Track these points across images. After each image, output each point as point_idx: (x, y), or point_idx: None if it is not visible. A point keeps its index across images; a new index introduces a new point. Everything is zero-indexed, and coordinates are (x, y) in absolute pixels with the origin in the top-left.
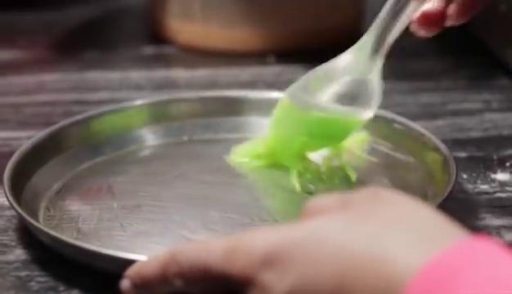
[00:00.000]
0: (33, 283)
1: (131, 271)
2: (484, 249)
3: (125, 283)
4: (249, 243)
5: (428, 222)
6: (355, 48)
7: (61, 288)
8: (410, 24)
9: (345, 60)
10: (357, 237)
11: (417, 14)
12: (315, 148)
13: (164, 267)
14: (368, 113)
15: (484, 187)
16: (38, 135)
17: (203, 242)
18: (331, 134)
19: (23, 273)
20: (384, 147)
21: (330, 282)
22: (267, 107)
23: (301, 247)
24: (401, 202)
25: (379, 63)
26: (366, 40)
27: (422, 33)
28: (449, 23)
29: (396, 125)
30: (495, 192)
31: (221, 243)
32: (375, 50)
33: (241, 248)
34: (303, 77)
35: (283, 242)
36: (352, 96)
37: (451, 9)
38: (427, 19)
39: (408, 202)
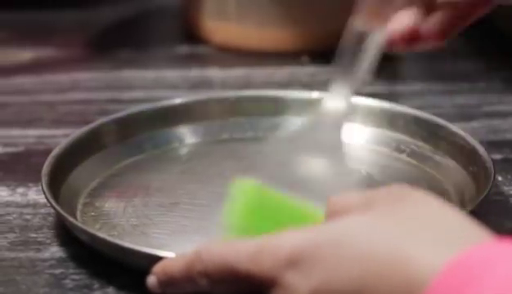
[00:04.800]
0: (67, 281)
1: (157, 268)
2: (508, 250)
3: (151, 280)
4: (274, 244)
5: (452, 223)
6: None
7: (96, 286)
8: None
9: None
10: (380, 238)
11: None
12: None
13: (190, 265)
14: None
15: None
16: (77, 132)
17: (229, 241)
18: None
19: (57, 271)
20: (424, 149)
21: (353, 284)
22: (306, 106)
23: (325, 249)
24: (425, 202)
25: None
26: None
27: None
28: (424, 43)
29: (436, 127)
30: None
31: (247, 244)
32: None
33: (267, 249)
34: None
35: (308, 243)
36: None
37: (426, 28)
38: (397, 40)
39: (432, 202)
